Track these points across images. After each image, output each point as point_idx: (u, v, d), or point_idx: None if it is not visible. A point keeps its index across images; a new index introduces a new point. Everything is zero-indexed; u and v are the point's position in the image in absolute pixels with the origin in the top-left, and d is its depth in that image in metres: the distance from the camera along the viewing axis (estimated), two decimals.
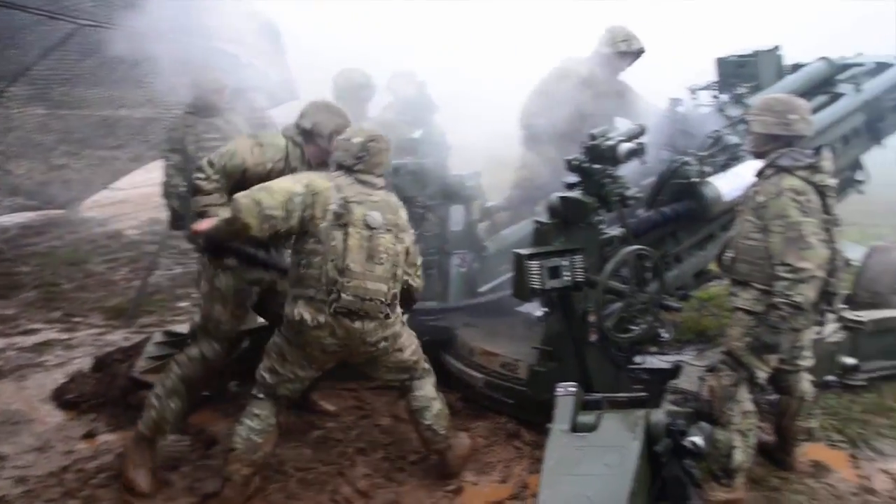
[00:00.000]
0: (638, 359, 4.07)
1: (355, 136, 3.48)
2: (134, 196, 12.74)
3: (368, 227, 3.31)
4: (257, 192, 3.23)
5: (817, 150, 3.48)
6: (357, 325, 3.31)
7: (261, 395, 3.50)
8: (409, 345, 3.66)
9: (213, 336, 3.86)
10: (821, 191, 3.41)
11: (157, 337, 4.89)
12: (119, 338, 5.89)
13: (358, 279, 3.26)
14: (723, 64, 5.66)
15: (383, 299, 3.34)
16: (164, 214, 5.95)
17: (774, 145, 3.49)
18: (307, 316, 3.26)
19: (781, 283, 3.27)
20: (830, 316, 4.80)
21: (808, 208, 3.31)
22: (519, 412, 4.13)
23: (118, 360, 4.89)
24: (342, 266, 3.24)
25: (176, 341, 4.73)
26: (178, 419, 3.80)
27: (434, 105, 5.08)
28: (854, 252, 6.58)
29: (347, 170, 3.43)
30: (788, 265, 3.25)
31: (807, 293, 3.25)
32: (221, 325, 3.85)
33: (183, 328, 5.15)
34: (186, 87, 5.98)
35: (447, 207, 4.77)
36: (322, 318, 3.27)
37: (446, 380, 4.66)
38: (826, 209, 3.43)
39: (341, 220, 3.28)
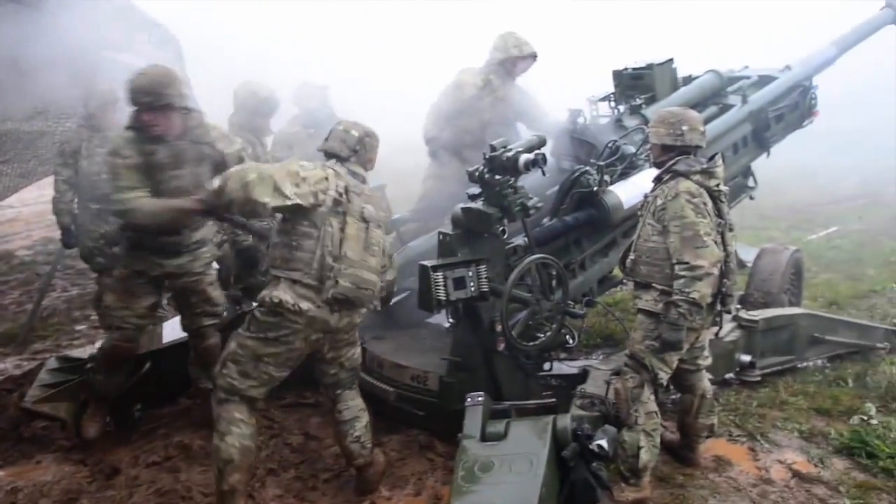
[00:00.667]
0: (546, 365, 4.12)
1: (352, 129, 3.53)
2: (25, 214, 12.10)
3: (364, 219, 3.34)
4: (274, 170, 3.22)
5: (712, 158, 3.65)
6: (346, 314, 3.35)
7: (235, 399, 3.36)
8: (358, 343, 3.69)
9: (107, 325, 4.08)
10: (714, 195, 3.57)
11: (52, 363, 4.61)
12: (10, 366, 5.58)
13: (354, 267, 3.27)
14: (619, 76, 5.85)
15: (374, 290, 3.37)
16: (57, 233, 5.68)
17: (670, 155, 3.65)
18: (287, 298, 3.20)
19: (679, 281, 3.41)
20: (727, 316, 5.06)
21: (702, 210, 3.47)
22: (431, 424, 4.12)
23: (7, 389, 4.61)
24: (338, 253, 3.24)
25: (72, 367, 4.50)
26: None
27: (336, 116, 5.02)
28: (747, 254, 6.93)
29: (341, 160, 3.45)
30: (686, 263, 3.39)
31: (703, 290, 3.38)
32: (111, 312, 4.01)
33: (80, 353, 4.91)
34: (78, 99, 5.74)
35: None
36: (304, 305, 3.23)
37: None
38: (719, 213, 3.60)
39: (340, 208, 3.29)
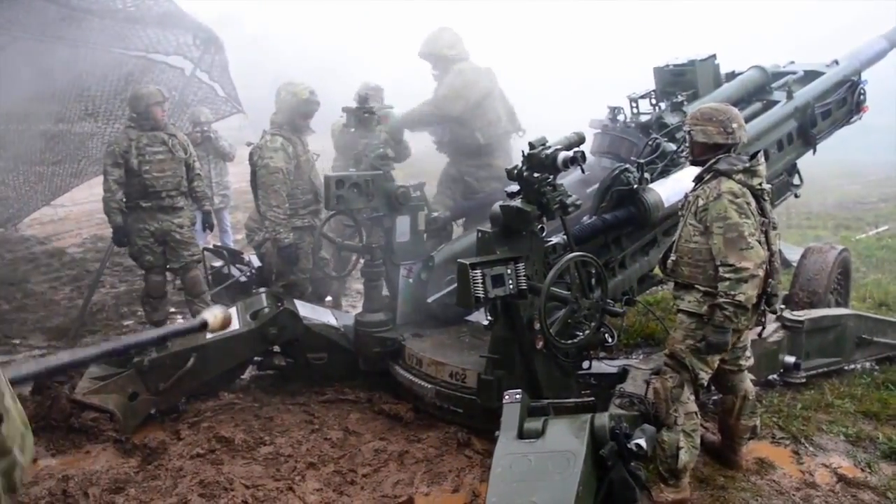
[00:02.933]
0: (585, 364, 4.10)
1: None
2: (75, 213, 12.46)
3: None
4: None
5: (753, 156, 3.58)
6: None
7: None
8: None
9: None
10: (757, 194, 3.50)
11: None
12: None
13: None
14: (660, 73, 5.78)
15: None
16: (107, 231, 5.85)
17: (716, 153, 3.57)
18: None
19: (724, 283, 3.35)
20: (771, 316, 4.97)
21: (745, 210, 3.40)
22: (469, 421, 4.14)
23: (59, 381, 4.75)
24: None
25: (121, 360, 4.63)
26: None
27: (376, 117, 5.07)
28: (792, 253, 6.78)
29: None
30: (730, 265, 3.33)
31: (749, 292, 3.33)
32: None
33: None
34: (127, 101, 5.90)
35: (393, 218, 4.76)
36: None
37: (396, 390, 4.68)
38: (763, 212, 3.53)
39: None
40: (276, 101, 5.40)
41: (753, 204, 3.45)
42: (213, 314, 1.70)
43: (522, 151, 3.46)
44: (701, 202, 3.49)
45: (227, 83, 8.43)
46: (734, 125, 3.54)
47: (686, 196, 3.68)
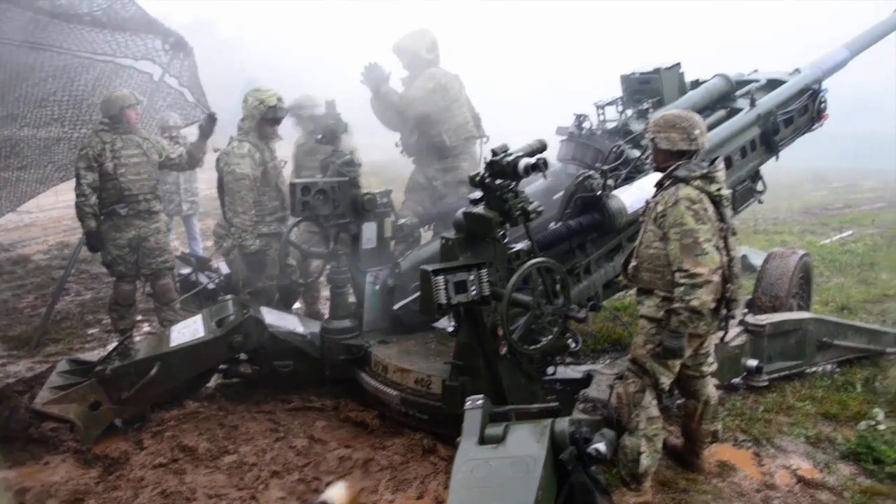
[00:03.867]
0: (550, 370, 4.13)
1: None
2: (42, 219, 12.27)
3: None
4: None
5: (712, 162, 3.62)
6: None
7: None
8: None
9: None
10: (715, 200, 3.53)
11: (63, 366, 4.71)
12: (22, 368, 5.66)
13: None
14: (627, 80, 5.85)
15: None
16: (73, 238, 5.77)
17: (677, 160, 3.61)
18: None
19: (679, 289, 3.38)
20: (733, 321, 5.04)
21: (702, 216, 3.42)
22: (435, 427, 4.14)
23: (19, 391, 4.68)
24: None
25: (83, 370, 4.58)
26: None
27: (343, 123, 5.08)
28: (757, 258, 6.88)
29: None
30: (685, 271, 3.36)
31: (703, 297, 3.36)
32: None
33: (91, 356, 4.99)
34: (99, 104, 5.84)
35: (359, 225, 4.76)
36: None
37: (362, 398, 4.67)
38: (721, 217, 3.55)
39: None
40: (243, 107, 5.38)
41: (711, 210, 3.48)
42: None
43: (485, 158, 3.48)
44: (660, 208, 3.52)
45: (197, 88, 8.37)
46: (696, 132, 3.58)
47: (647, 202, 3.72)
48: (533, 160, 3.40)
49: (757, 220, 12.63)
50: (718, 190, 3.54)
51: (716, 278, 3.40)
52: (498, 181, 3.44)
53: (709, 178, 3.52)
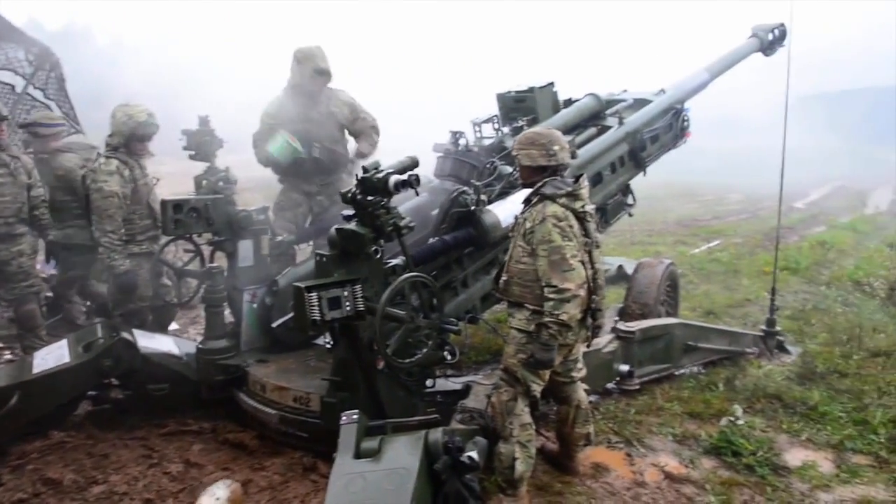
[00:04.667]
0: (429, 382, 4.18)
1: None
2: None
3: None
4: None
5: (577, 179, 3.78)
6: None
7: None
8: None
9: None
10: (580, 216, 3.68)
11: None
12: None
13: None
14: (503, 99, 6.04)
15: None
16: None
17: (542, 176, 3.74)
18: None
19: (548, 304, 3.51)
20: (607, 327, 5.28)
21: (568, 233, 3.56)
22: (315, 445, 4.10)
23: None
24: None
25: None
26: None
27: (218, 139, 4.98)
28: (632, 268, 7.23)
29: None
30: (554, 286, 3.49)
31: (571, 311, 3.50)
32: None
33: None
34: None
35: (235, 243, 4.68)
36: None
37: (241, 418, 4.57)
38: (586, 233, 3.71)
39: None
40: (111, 123, 5.17)
41: (576, 226, 3.62)
42: None
43: (356, 175, 3.51)
44: (528, 225, 3.64)
45: (65, 101, 8.00)
46: (556, 147, 3.72)
47: (516, 218, 3.85)
48: (404, 177, 3.45)
49: (633, 231, 13.28)
50: (583, 206, 3.69)
51: (582, 292, 3.55)
52: (370, 198, 3.47)
53: (573, 195, 3.66)
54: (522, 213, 3.79)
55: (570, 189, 3.66)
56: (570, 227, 3.58)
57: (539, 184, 3.72)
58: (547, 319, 3.52)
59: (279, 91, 5.97)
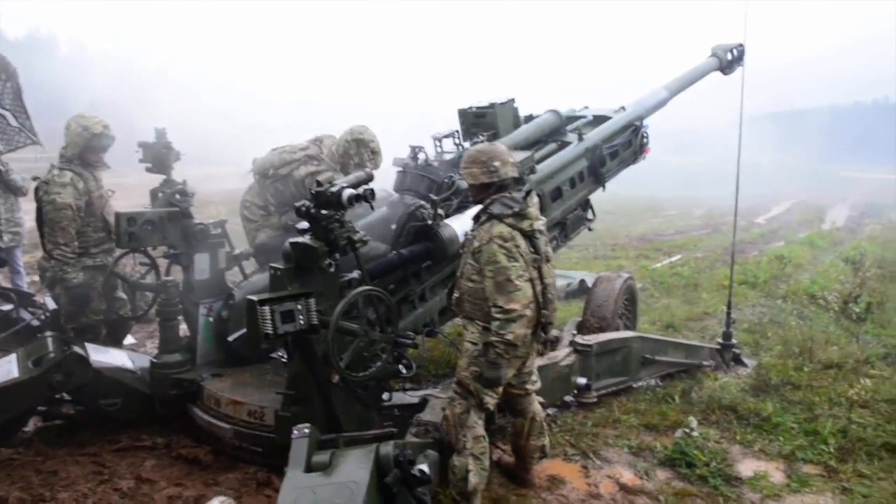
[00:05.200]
0: (386, 395, 4.18)
1: None
2: None
3: None
4: None
5: (527, 195, 3.79)
6: None
7: None
8: None
9: None
10: (528, 234, 3.70)
11: None
12: None
13: None
14: (464, 114, 6.10)
15: None
16: None
17: (488, 193, 3.78)
18: None
19: (495, 323, 3.54)
20: (565, 341, 5.33)
21: (514, 253, 3.58)
22: (269, 459, 4.06)
23: None
24: None
25: None
26: None
27: (175, 152, 4.95)
28: (591, 281, 7.31)
29: None
30: (500, 307, 3.53)
31: (517, 331, 3.53)
32: None
33: None
34: None
35: (191, 256, 4.64)
36: None
37: (195, 433, 4.52)
38: (535, 249, 3.73)
39: None
40: (65, 134, 5.11)
41: (524, 245, 3.64)
42: None
43: (310, 189, 3.52)
44: (476, 244, 3.68)
45: (21, 112, 7.88)
46: (496, 164, 3.74)
47: (466, 235, 3.88)
48: (358, 191, 3.47)
49: (596, 246, 13.44)
50: (531, 225, 3.71)
51: (529, 312, 3.58)
52: (323, 211, 3.48)
53: (520, 215, 3.68)
54: (472, 230, 3.82)
55: (517, 209, 3.67)
56: (517, 247, 3.61)
57: (487, 201, 3.75)
58: (493, 339, 3.55)
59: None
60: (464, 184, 4.84)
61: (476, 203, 3.86)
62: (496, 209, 3.67)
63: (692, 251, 13.46)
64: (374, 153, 5.39)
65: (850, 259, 12.07)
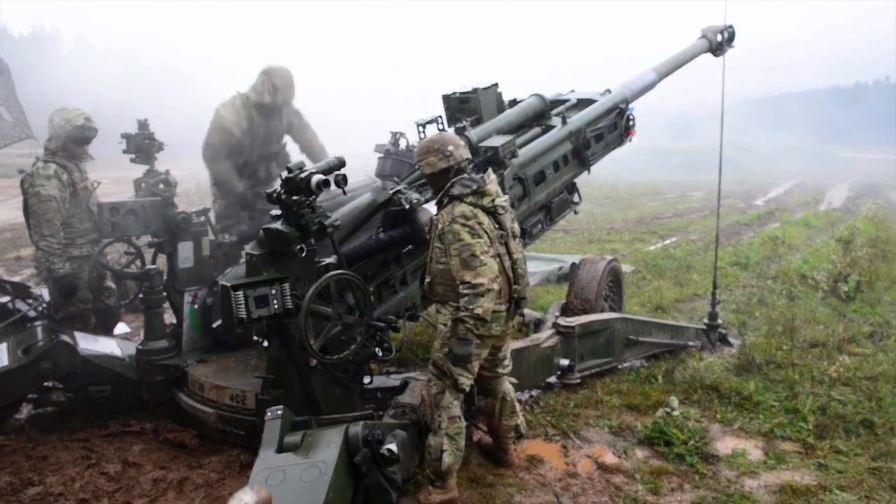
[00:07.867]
0: (367, 379, 4.25)
1: None
2: None
3: None
4: None
5: (484, 171, 3.86)
6: None
7: None
8: None
9: None
10: (489, 210, 3.79)
11: None
12: None
13: None
14: (447, 100, 6.13)
15: None
16: None
17: (447, 178, 3.86)
18: None
19: (463, 299, 3.62)
20: (549, 323, 5.39)
21: (477, 230, 3.67)
22: (251, 442, 4.11)
23: None
24: None
25: None
26: None
27: (158, 143, 5.02)
28: None
29: None
30: (467, 282, 3.60)
31: (485, 305, 3.60)
32: None
33: None
34: None
35: (174, 244, 4.72)
36: None
37: (181, 418, 4.61)
38: (500, 225, 3.83)
39: None
40: (49, 127, 5.18)
41: (487, 222, 3.73)
42: None
43: (280, 175, 3.58)
44: (440, 226, 3.76)
45: (15, 106, 7.97)
46: (450, 147, 3.84)
47: (431, 220, 3.95)
48: (325, 177, 3.52)
49: (591, 230, 13.47)
50: (492, 201, 3.80)
51: (496, 286, 3.65)
52: (294, 197, 3.54)
53: (479, 192, 3.77)
54: (436, 214, 3.90)
55: (475, 187, 3.76)
56: (480, 223, 3.69)
57: (448, 185, 3.83)
58: (462, 314, 3.61)
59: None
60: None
61: (437, 191, 3.93)
62: (456, 190, 3.76)
63: (688, 233, 13.48)
64: (275, 87, 5.87)
65: (842, 239, 12.07)
